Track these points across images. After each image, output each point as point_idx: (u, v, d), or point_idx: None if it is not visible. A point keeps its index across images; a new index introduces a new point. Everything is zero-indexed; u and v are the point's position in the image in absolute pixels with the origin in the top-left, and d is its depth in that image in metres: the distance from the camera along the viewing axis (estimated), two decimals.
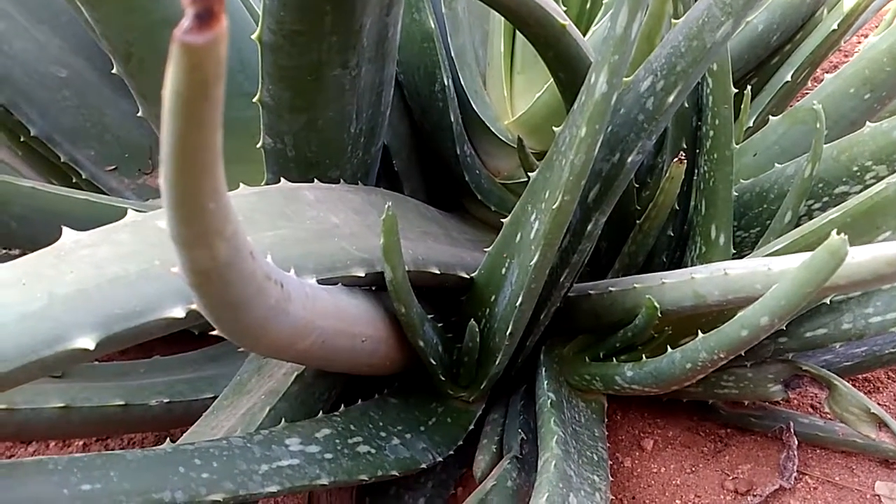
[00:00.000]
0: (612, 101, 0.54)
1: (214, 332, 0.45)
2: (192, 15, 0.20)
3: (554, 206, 0.60)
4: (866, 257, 0.47)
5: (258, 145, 0.69)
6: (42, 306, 0.39)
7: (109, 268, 0.43)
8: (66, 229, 0.44)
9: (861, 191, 0.78)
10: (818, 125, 0.72)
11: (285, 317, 0.44)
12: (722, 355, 0.56)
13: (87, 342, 0.40)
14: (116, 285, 0.42)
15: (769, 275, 0.56)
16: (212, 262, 0.31)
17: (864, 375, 1.04)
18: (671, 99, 0.59)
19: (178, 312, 0.43)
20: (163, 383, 0.84)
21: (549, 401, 0.72)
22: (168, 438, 0.87)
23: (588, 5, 0.94)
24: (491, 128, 0.96)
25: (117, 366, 0.91)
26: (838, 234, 0.71)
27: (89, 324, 0.40)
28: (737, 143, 0.93)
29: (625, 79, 0.63)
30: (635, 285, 0.72)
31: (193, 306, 0.42)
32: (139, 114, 0.80)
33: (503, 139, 0.97)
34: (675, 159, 0.73)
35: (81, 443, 1.02)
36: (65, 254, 0.43)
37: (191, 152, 0.24)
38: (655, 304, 0.65)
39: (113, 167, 0.94)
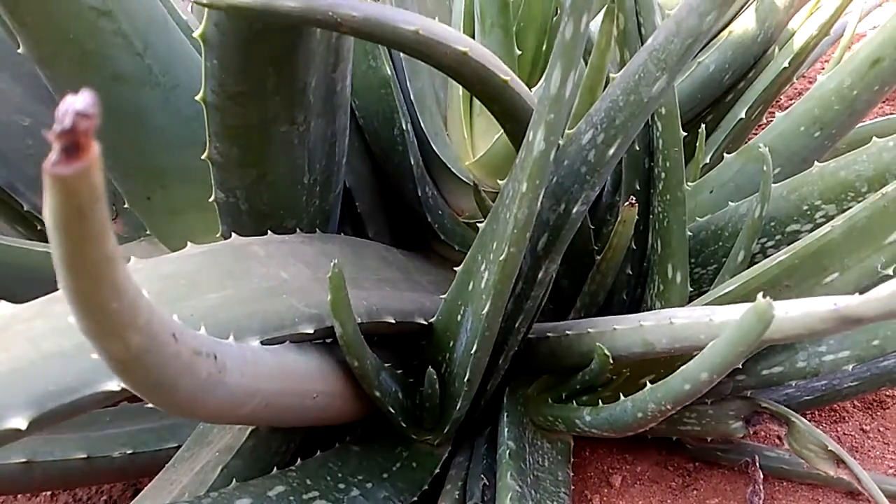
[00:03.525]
0: (551, 158, 0.55)
1: None
2: (58, 149, 0.20)
3: (501, 258, 0.61)
4: (799, 313, 0.48)
5: (210, 199, 0.69)
6: None
7: (44, 343, 0.43)
8: (2, 303, 0.45)
9: (812, 229, 0.80)
10: (765, 168, 0.73)
11: (221, 387, 0.44)
12: (668, 406, 0.57)
13: (20, 422, 0.40)
14: (51, 361, 0.42)
15: (710, 325, 0.57)
16: (126, 352, 0.32)
17: (829, 406, 1.05)
18: (612, 151, 0.60)
19: (113, 386, 0.43)
20: (127, 433, 0.84)
21: (507, 451, 0.73)
22: (135, 488, 0.87)
23: (544, 48, 0.96)
24: (452, 168, 0.97)
25: (82, 416, 0.90)
26: (788, 275, 0.73)
27: (22, 403, 0.40)
28: (693, 181, 0.94)
29: (568, 131, 0.65)
30: (589, 330, 0.72)
31: None
32: None
33: (464, 179, 0.98)
34: (627, 203, 0.74)
35: (49, 493, 1.02)
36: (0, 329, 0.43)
37: (80, 264, 0.25)
38: (606, 352, 0.66)
39: None
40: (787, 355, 0.76)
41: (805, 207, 0.79)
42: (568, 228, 0.65)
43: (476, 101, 1.00)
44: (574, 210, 0.64)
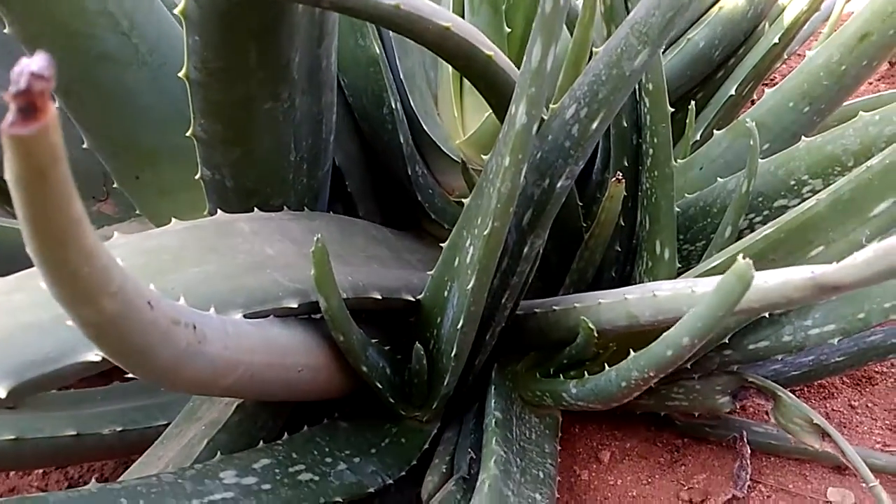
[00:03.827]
0: (533, 131, 0.55)
1: None
2: (14, 109, 0.20)
3: (486, 233, 0.61)
4: (776, 282, 0.48)
5: (196, 177, 0.69)
6: None
7: (23, 315, 0.43)
8: None
9: (799, 204, 0.80)
10: (752, 143, 0.73)
11: (201, 357, 0.44)
12: (651, 374, 0.57)
13: None
14: (30, 332, 0.43)
15: (692, 297, 0.57)
16: (99, 317, 0.32)
17: (818, 382, 1.06)
18: (595, 125, 0.60)
19: (93, 357, 0.43)
20: (117, 411, 0.84)
21: (493, 420, 0.73)
22: (126, 465, 0.87)
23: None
24: (442, 147, 0.97)
25: (73, 394, 0.91)
26: (773, 249, 0.73)
27: (1, 373, 0.41)
28: (683, 158, 0.94)
29: (552, 105, 0.65)
30: (575, 304, 0.73)
31: None
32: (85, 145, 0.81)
33: (454, 158, 0.98)
34: (614, 179, 0.74)
35: (41, 471, 1.02)
36: None
37: (46, 227, 0.25)
38: (591, 325, 0.67)
39: None
40: (773, 329, 0.77)
41: (792, 182, 0.80)
42: (553, 203, 0.65)
43: (466, 81, 1.00)
44: (558, 185, 0.64)
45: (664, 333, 0.55)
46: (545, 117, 0.65)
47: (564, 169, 0.63)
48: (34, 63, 0.20)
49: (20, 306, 0.44)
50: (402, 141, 0.92)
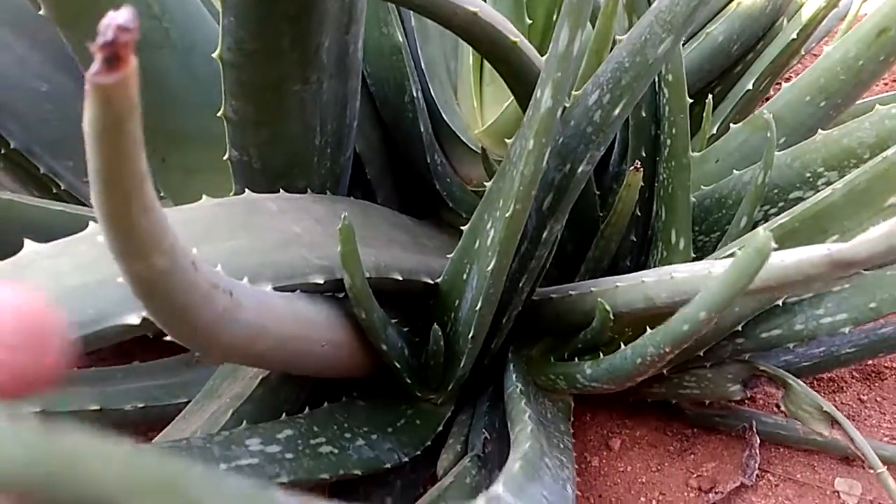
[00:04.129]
0: (558, 115, 0.57)
1: None
2: (100, 59, 0.22)
3: (507, 215, 0.62)
4: (794, 259, 0.50)
5: (225, 157, 0.71)
6: None
7: (67, 279, 0.45)
8: (27, 241, 0.47)
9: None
10: (769, 134, 0.75)
11: (236, 324, 0.46)
12: (667, 349, 0.58)
13: None
14: (73, 295, 0.45)
15: (709, 278, 0.58)
16: (150, 273, 0.34)
17: (828, 376, 1.07)
18: (617, 111, 0.62)
19: (133, 319, 0.45)
20: (139, 388, 0.86)
21: (517, 389, 0.75)
22: (148, 440, 0.89)
23: (554, 17, 0.97)
24: (461, 137, 0.99)
25: (95, 372, 0.93)
26: (788, 237, 0.74)
27: None
28: (700, 151, 0.95)
29: (575, 92, 0.66)
30: (592, 289, 0.74)
31: (146, 314, 0.45)
32: None
33: (473, 148, 1.00)
34: (632, 167, 0.76)
35: None
36: (24, 265, 0.45)
37: (115, 178, 0.26)
38: (607, 307, 0.68)
39: None
40: (786, 318, 0.78)
41: (808, 174, 0.81)
42: (573, 188, 0.67)
43: (486, 71, 1.01)
44: (579, 170, 0.66)
45: (681, 309, 0.56)
46: (567, 104, 0.67)
47: (586, 154, 0.64)
48: (120, 16, 0.22)
49: (64, 270, 0.45)
50: (422, 129, 0.94)
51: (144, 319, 0.45)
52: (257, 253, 0.57)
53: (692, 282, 0.60)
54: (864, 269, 0.45)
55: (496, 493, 0.41)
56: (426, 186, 1.00)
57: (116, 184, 0.27)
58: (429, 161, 0.96)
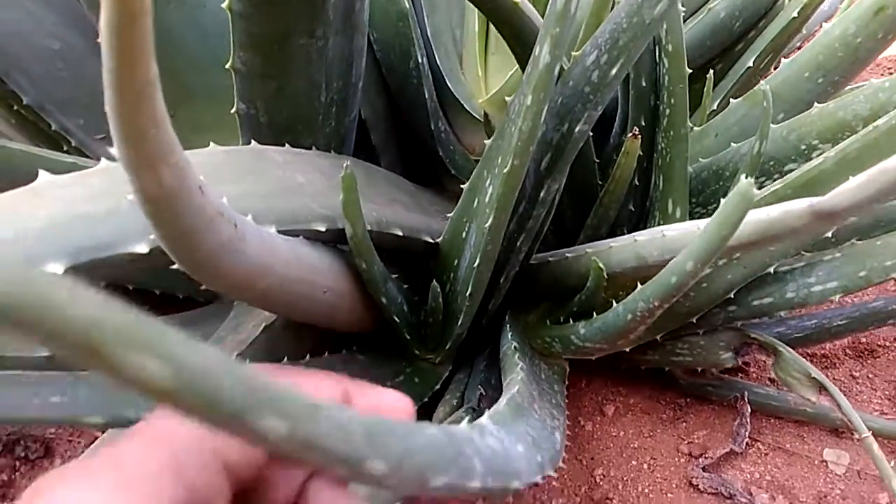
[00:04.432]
0: (556, 71, 0.58)
1: (203, 288, 0.50)
2: None
3: (505, 171, 0.64)
4: (777, 213, 0.51)
5: (232, 110, 0.73)
6: (14, 236, 0.44)
7: (80, 206, 0.47)
8: (42, 171, 0.49)
9: None
10: (765, 104, 0.76)
11: (240, 255, 0.48)
12: (656, 303, 0.59)
13: (57, 268, 0.44)
14: (86, 221, 0.46)
15: (698, 234, 0.60)
16: (158, 187, 0.35)
17: (822, 352, 1.08)
18: (614, 71, 0.63)
19: (142, 248, 0.47)
20: None
21: (512, 346, 0.77)
22: None
23: None
24: (465, 105, 1.00)
25: None
26: None
27: (58, 252, 0.44)
28: (700, 125, 0.97)
29: (574, 53, 0.68)
30: (587, 251, 0.76)
31: (155, 243, 0.47)
32: None
33: (477, 117, 1.01)
34: (631, 135, 0.77)
35: None
36: (39, 193, 0.47)
37: (127, 79, 0.28)
38: (601, 265, 0.70)
39: (101, 136, 0.99)
40: (777, 287, 0.80)
41: (803, 147, 0.82)
42: (570, 148, 0.68)
43: (491, 40, 1.03)
44: (577, 129, 0.67)
45: (668, 263, 0.58)
46: (566, 65, 0.68)
47: (583, 114, 0.66)
48: None
49: (77, 198, 0.47)
50: (426, 96, 0.95)
51: (153, 249, 0.47)
52: (262, 197, 0.59)
53: (683, 240, 0.62)
54: (846, 219, 0.46)
55: (480, 423, 0.43)
56: (429, 154, 1.02)
57: (128, 85, 0.28)
58: (433, 128, 0.98)
